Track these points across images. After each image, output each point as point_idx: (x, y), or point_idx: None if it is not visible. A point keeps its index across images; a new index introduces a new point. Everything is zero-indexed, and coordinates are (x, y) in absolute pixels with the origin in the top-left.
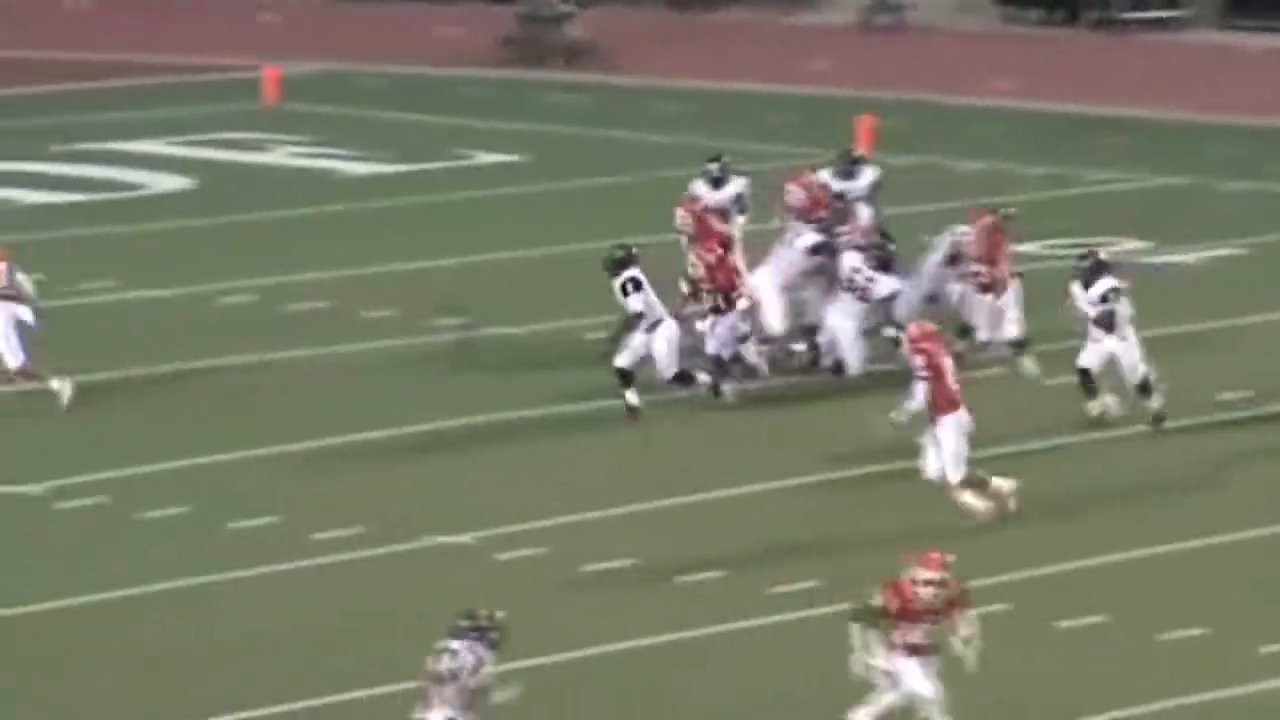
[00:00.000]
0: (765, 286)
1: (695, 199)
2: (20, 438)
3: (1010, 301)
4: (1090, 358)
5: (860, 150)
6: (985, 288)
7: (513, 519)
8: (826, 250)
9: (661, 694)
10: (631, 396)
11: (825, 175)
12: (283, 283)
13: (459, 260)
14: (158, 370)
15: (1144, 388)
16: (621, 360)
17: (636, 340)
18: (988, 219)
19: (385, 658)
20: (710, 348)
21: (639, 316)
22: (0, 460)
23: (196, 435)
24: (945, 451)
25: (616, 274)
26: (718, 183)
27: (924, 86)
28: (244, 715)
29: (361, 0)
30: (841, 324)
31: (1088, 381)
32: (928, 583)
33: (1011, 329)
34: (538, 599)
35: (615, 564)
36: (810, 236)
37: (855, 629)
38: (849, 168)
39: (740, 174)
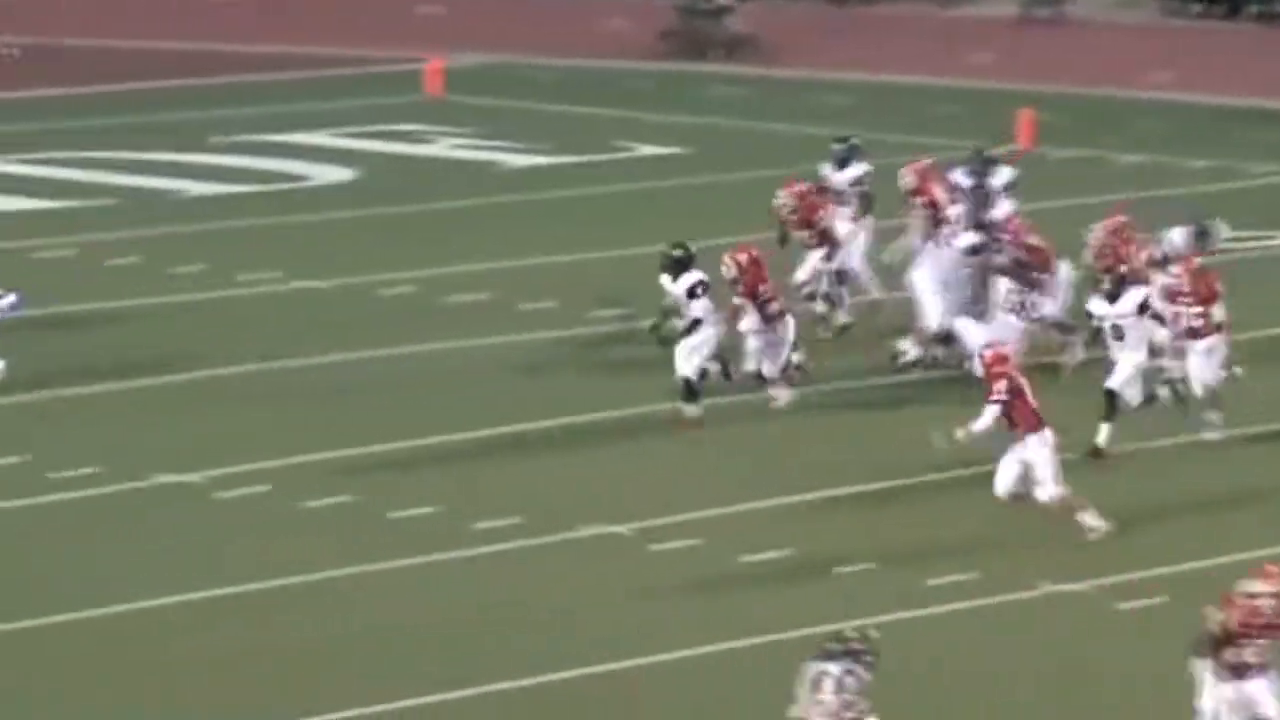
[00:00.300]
0: (923, 284)
1: (796, 182)
2: (179, 427)
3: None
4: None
5: (994, 150)
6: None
7: (667, 511)
8: (984, 251)
9: None
10: (693, 409)
11: (959, 173)
12: (442, 274)
13: (618, 252)
14: (316, 360)
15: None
16: (687, 368)
17: (693, 342)
18: (1118, 219)
19: (530, 649)
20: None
21: (699, 322)
22: (161, 449)
23: (356, 425)
24: (1043, 471)
25: (678, 275)
26: (843, 163)
27: (1084, 80)
28: (387, 707)
29: None
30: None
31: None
32: (1271, 595)
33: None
34: (694, 590)
35: (770, 555)
36: (969, 237)
37: (1196, 664)
38: (981, 167)
39: (866, 159)
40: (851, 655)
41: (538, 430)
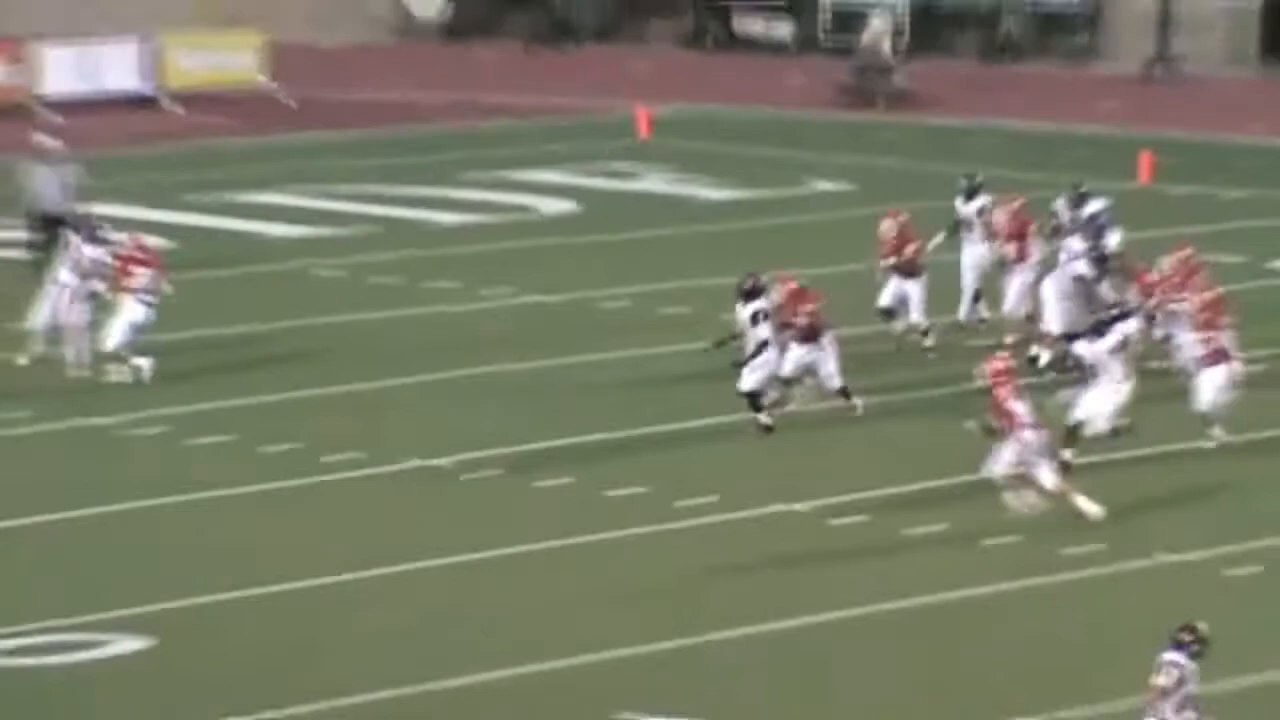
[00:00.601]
0: (1049, 293)
1: (898, 212)
2: (430, 418)
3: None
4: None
5: (1086, 187)
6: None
7: (841, 490)
8: (1093, 277)
9: (975, 639)
10: (764, 417)
11: (1059, 203)
12: (652, 290)
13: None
14: (544, 363)
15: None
16: (747, 384)
17: (756, 363)
18: (1187, 252)
19: (726, 607)
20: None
21: (765, 344)
22: (415, 437)
23: (588, 416)
24: (1039, 463)
25: (747, 302)
26: (970, 195)
27: (1196, 126)
28: (619, 653)
29: (720, 53)
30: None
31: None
32: None
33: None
34: (864, 556)
35: (928, 529)
36: (1080, 265)
37: None
38: (1078, 198)
39: (986, 193)
40: (1196, 646)
41: (731, 421)
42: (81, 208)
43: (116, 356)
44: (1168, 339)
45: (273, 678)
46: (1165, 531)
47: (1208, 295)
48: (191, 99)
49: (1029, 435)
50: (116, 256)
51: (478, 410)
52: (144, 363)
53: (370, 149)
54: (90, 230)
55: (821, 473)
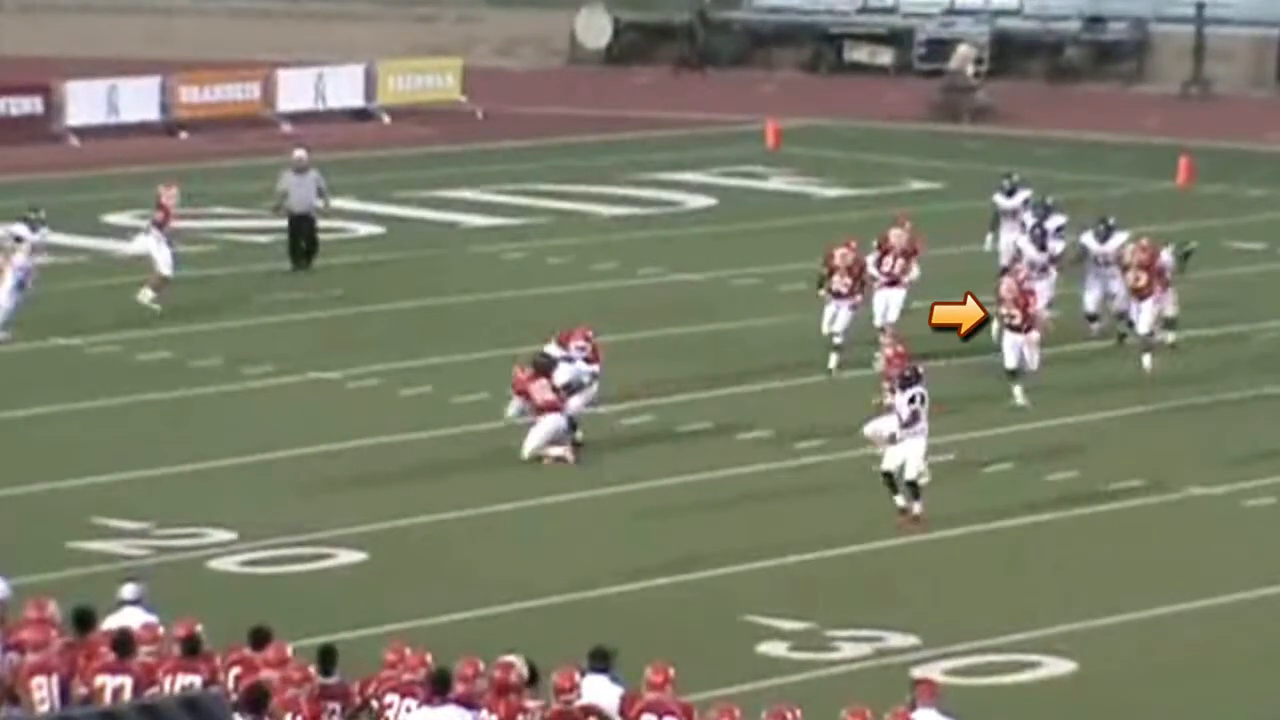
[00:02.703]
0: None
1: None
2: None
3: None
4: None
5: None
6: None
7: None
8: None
9: None
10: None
11: (1086, 238)
12: (777, 270)
13: None
14: (691, 329)
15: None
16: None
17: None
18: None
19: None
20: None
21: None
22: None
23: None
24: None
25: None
26: (1010, 193)
27: (1223, 136)
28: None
29: (833, 76)
30: None
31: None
32: None
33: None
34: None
35: None
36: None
37: None
38: (1105, 231)
39: (1026, 188)
40: None
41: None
42: (322, 207)
43: None
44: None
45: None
46: (1197, 471)
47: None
48: (401, 113)
49: None
50: None
51: (622, 367)
52: None
53: (545, 154)
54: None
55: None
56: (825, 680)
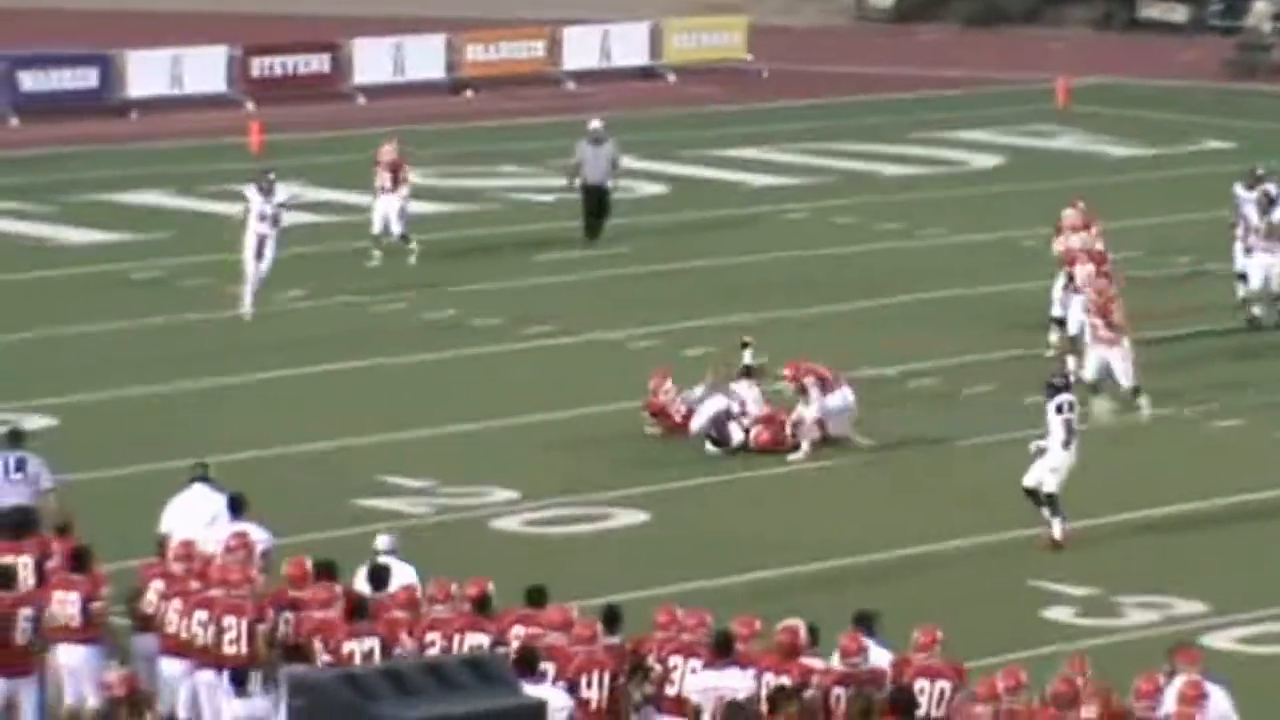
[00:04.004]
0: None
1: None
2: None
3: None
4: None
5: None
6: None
7: None
8: None
9: None
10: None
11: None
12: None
13: (1187, 217)
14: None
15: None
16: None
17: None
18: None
19: None
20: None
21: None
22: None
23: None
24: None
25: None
26: (1252, 185)
27: None
28: None
29: (1125, 34)
30: None
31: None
32: None
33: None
34: None
35: None
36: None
37: None
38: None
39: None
40: None
41: None
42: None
43: None
44: None
45: None
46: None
47: None
48: (686, 71)
49: None
50: None
51: (904, 328)
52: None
53: (830, 113)
54: None
55: None
56: (1113, 646)
